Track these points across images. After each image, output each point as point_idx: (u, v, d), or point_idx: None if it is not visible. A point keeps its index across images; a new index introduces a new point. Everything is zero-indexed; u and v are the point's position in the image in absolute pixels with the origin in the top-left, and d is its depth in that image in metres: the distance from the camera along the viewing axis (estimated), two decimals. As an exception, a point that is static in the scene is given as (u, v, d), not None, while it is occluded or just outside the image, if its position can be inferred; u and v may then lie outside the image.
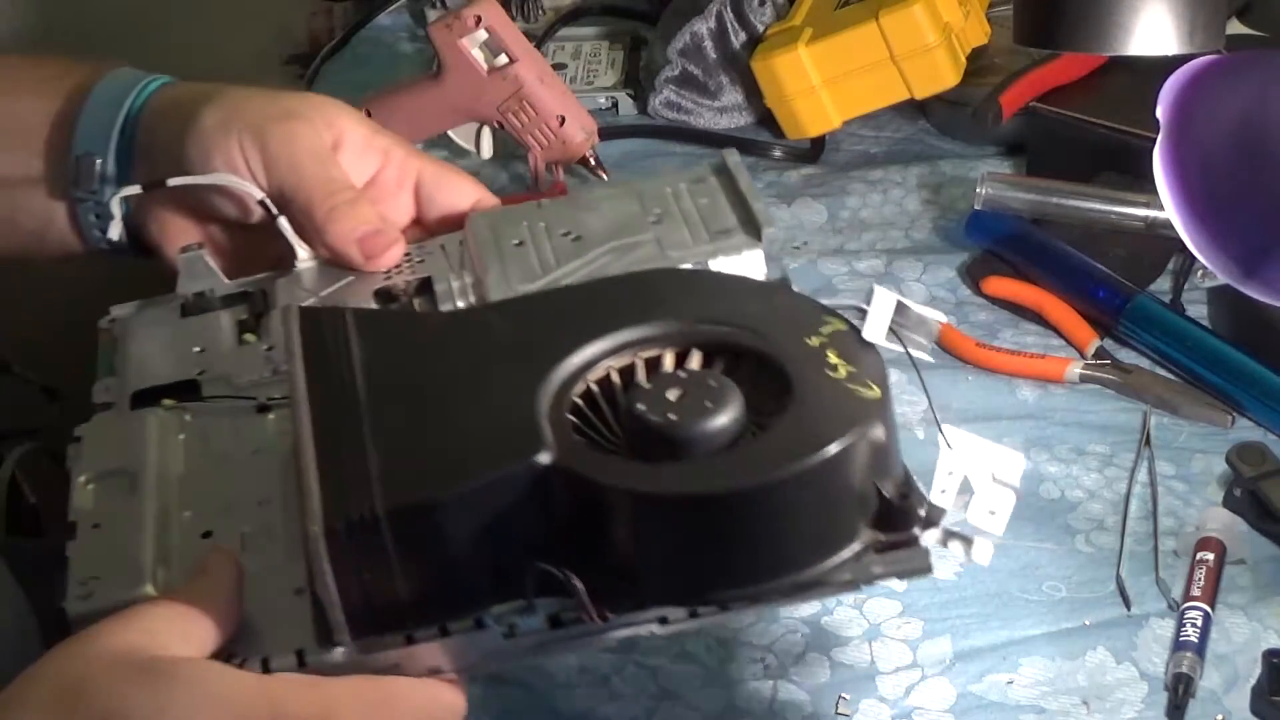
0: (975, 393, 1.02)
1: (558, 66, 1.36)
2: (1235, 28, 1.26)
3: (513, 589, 0.68)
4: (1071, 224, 1.11)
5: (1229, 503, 0.92)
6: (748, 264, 0.87)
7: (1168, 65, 1.00)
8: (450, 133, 1.23)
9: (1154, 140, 0.99)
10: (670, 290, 0.79)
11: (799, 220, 1.20)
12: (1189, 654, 0.83)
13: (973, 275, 1.12)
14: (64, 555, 0.74)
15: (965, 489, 0.69)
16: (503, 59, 1.19)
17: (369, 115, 1.23)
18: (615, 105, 1.34)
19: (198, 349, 0.89)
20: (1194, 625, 0.84)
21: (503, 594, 0.68)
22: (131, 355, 0.88)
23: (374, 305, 0.89)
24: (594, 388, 0.74)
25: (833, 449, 0.67)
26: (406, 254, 0.91)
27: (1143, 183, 1.03)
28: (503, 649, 0.69)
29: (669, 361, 0.75)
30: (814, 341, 0.73)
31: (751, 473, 0.67)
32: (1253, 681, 0.83)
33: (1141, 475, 0.95)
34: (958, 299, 1.11)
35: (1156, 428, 0.99)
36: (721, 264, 0.87)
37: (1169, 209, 0.98)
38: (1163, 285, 1.10)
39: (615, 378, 0.74)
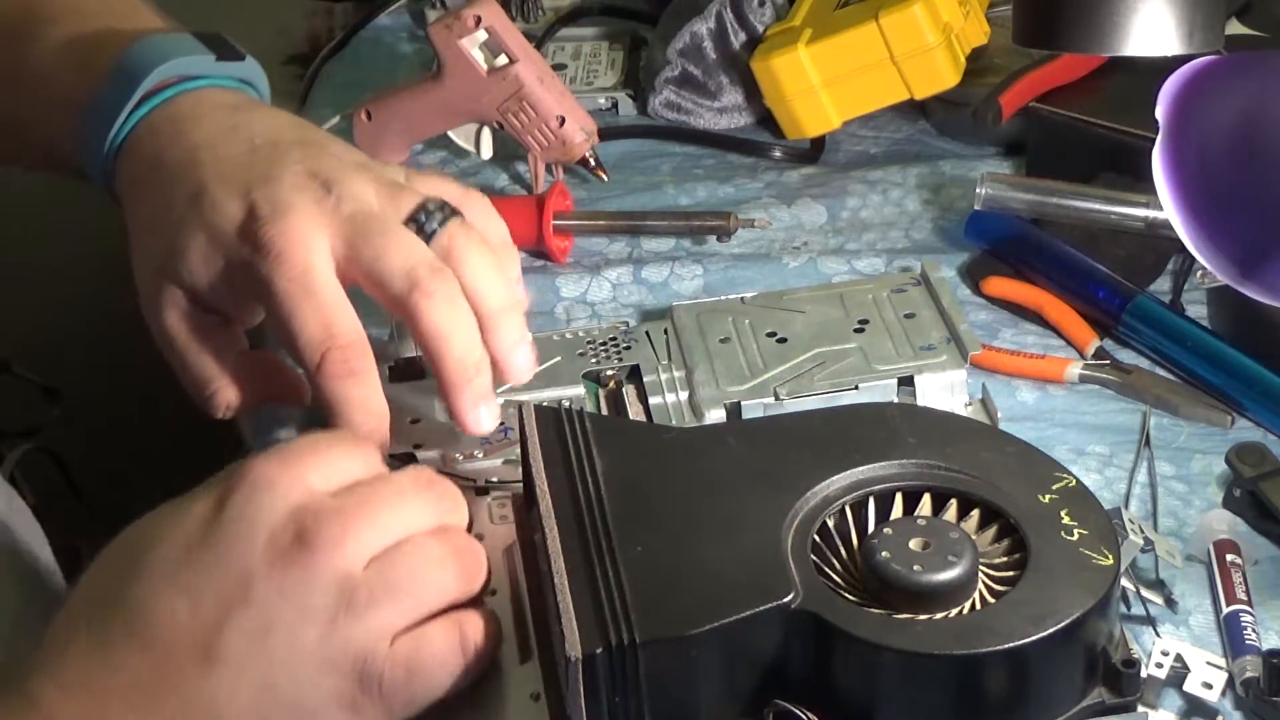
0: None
1: (557, 67, 1.36)
2: (1235, 28, 1.26)
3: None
4: (1071, 224, 1.11)
5: (1229, 503, 0.92)
6: (949, 381, 0.91)
7: (1168, 65, 1.00)
8: (450, 133, 1.23)
9: (1154, 140, 0.99)
10: (905, 427, 0.81)
11: (799, 220, 1.20)
12: (1251, 657, 0.81)
13: (973, 275, 1.12)
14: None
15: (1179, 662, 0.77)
16: (503, 59, 1.19)
17: (369, 116, 1.24)
18: (615, 105, 1.34)
19: (412, 420, 0.91)
20: (1253, 630, 0.82)
21: None
22: None
23: (583, 386, 0.93)
24: (830, 524, 0.77)
25: (1073, 616, 0.71)
26: (613, 337, 0.95)
27: (1143, 183, 1.02)
28: None
29: (900, 502, 0.78)
30: (1046, 499, 0.77)
31: (999, 637, 0.70)
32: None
33: (1141, 476, 0.95)
34: (958, 299, 1.11)
35: (1156, 428, 0.99)
36: (924, 380, 0.90)
37: (1168, 209, 0.98)
38: (1163, 285, 1.10)
39: (849, 514, 0.77)
